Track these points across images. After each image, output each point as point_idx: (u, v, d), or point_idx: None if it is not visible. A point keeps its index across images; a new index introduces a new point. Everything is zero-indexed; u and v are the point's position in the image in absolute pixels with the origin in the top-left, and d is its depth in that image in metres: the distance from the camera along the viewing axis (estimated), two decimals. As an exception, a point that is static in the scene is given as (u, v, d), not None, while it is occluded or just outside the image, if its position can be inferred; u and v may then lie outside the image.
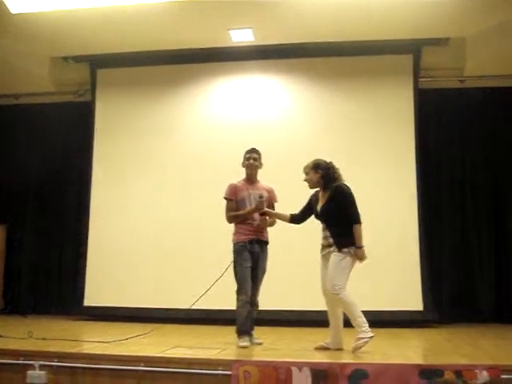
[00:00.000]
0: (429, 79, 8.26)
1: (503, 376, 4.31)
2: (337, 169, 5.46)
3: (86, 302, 8.24)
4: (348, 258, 5.19)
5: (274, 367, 4.53)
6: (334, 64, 8.28)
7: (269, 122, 8.25)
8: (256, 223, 5.70)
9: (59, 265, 8.90)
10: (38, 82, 8.86)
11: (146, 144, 8.51)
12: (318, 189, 5.54)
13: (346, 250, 5.19)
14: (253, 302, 5.70)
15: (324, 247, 5.38)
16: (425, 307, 7.53)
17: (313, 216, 5.56)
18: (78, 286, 8.35)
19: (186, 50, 8.22)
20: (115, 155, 8.57)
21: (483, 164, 8.25)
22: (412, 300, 7.52)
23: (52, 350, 5.03)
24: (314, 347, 5.34)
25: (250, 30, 7.65)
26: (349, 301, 5.15)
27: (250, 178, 5.88)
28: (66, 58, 8.82)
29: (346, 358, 4.87)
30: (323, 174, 5.41)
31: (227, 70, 8.53)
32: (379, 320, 6.70)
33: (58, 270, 8.90)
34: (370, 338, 5.11)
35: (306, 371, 4.46)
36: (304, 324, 6.75)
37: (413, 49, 8.16)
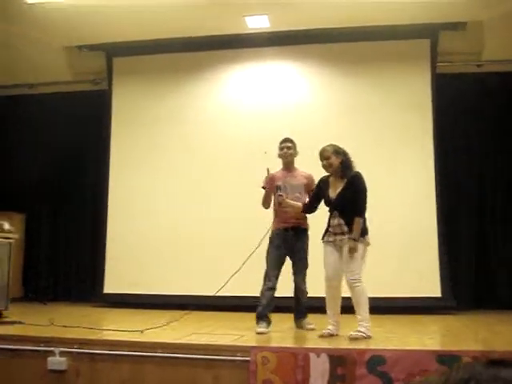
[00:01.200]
0: (446, 64, 8.18)
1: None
2: (350, 156, 5.41)
3: (106, 289, 8.31)
4: (363, 247, 5.21)
5: (292, 353, 4.56)
6: (350, 49, 8.23)
7: (285, 107, 8.21)
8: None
9: (78, 252, 8.97)
10: (54, 71, 8.89)
11: (164, 132, 8.53)
12: (326, 174, 5.49)
13: (361, 238, 5.19)
14: (297, 287, 5.80)
15: (335, 234, 5.30)
16: (443, 294, 7.50)
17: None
18: (98, 273, 8.42)
19: (201, 37, 8.20)
20: (133, 143, 8.59)
21: (500, 150, 8.17)
22: (430, 287, 7.48)
23: (72, 336, 5.09)
24: (318, 335, 5.30)
25: (265, 17, 7.62)
26: (365, 292, 5.17)
27: (287, 167, 5.99)
28: (80, 47, 8.81)
29: (364, 345, 4.88)
30: (343, 160, 5.35)
31: (243, 56, 8.50)
32: (397, 306, 6.72)
33: (77, 257, 8.97)
34: (369, 337, 5.11)
35: (324, 357, 4.48)
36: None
37: (430, 33, 8.06)
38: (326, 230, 5.41)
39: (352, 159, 5.40)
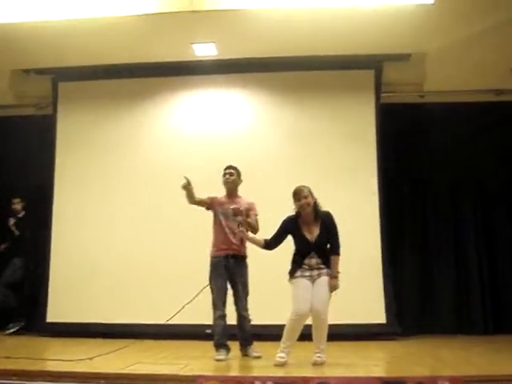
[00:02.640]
0: (390, 94, 8.37)
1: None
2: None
3: (49, 318, 8.07)
4: None
5: (237, 382, 4.51)
6: (296, 78, 8.32)
7: (232, 135, 8.25)
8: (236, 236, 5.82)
9: (20, 280, 8.68)
10: (-2, 94, 8.73)
11: (109, 157, 8.42)
12: (292, 214, 5.48)
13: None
14: (240, 315, 5.79)
15: (311, 269, 5.33)
16: (387, 320, 7.59)
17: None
18: (40, 302, 8.18)
19: (149, 63, 8.17)
20: (77, 169, 8.44)
21: (443, 177, 8.38)
22: (375, 313, 7.56)
23: (10, 367, 4.92)
24: (274, 364, 5.24)
25: (212, 45, 7.66)
26: (327, 323, 5.26)
27: (230, 194, 6.05)
28: (27, 71, 8.68)
29: (310, 372, 4.88)
30: (315, 201, 5.43)
31: (191, 83, 8.51)
32: (342, 333, 6.76)
33: (19, 285, 8.69)
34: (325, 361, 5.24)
35: (270, 385, 4.45)
36: (268, 338, 6.73)
37: (374, 64, 8.24)
38: (298, 267, 5.36)
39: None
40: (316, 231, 5.39)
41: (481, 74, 7.87)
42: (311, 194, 5.42)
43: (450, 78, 8.07)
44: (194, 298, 5.90)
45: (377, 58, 8.14)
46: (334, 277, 5.27)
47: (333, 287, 5.26)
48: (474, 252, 8.19)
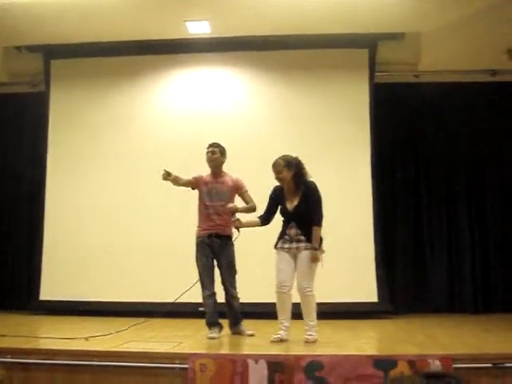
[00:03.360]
0: (384, 74, 8.33)
1: (454, 365, 4.42)
2: (303, 164, 5.47)
3: (42, 296, 8.09)
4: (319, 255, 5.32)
5: (230, 360, 4.56)
6: (290, 57, 8.28)
7: (225, 113, 8.22)
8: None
9: (13, 258, 8.71)
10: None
11: (102, 135, 8.39)
12: (278, 184, 5.53)
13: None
14: (229, 294, 5.82)
15: (291, 241, 5.38)
16: (379, 298, 7.64)
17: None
18: (34, 280, 8.20)
19: (142, 41, 8.11)
20: (71, 147, 8.40)
21: (437, 158, 8.39)
22: (367, 292, 7.62)
23: (5, 345, 4.96)
24: (270, 341, 5.35)
25: (206, 22, 7.60)
26: (315, 299, 5.31)
27: (214, 172, 5.98)
28: (19, 48, 8.59)
29: (302, 350, 4.92)
30: (295, 172, 5.41)
31: (184, 61, 8.45)
32: (334, 312, 6.82)
33: (12, 263, 8.71)
34: (316, 339, 5.29)
35: (262, 363, 4.50)
36: (260, 316, 6.77)
37: (369, 43, 8.20)
38: (280, 237, 5.46)
39: (305, 169, 5.45)
40: (296, 201, 5.41)
41: (476, 54, 7.83)
42: (288, 165, 5.39)
43: (445, 58, 8.04)
44: (186, 292, 5.83)
45: (371, 37, 8.10)
46: (313, 248, 5.26)
47: (312, 259, 5.25)
48: (467, 232, 8.22)
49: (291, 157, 5.46)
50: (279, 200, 5.50)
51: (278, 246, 5.44)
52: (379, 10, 7.15)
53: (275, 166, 5.42)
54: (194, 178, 5.94)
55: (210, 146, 5.97)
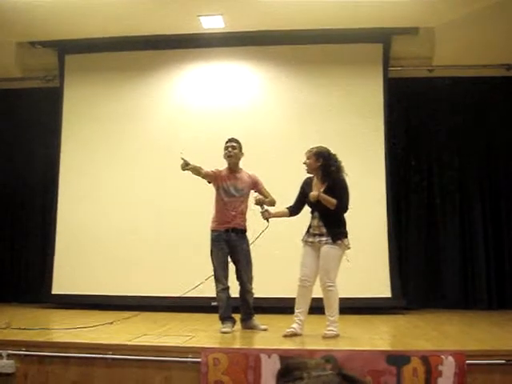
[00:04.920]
0: (398, 68, 8.29)
1: (468, 361, 4.41)
2: (339, 161, 5.50)
3: (55, 290, 8.13)
4: (341, 251, 5.35)
5: (243, 354, 4.57)
6: (304, 52, 8.25)
7: (239, 108, 8.21)
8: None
9: (26, 252, 8.75)
10: (4, 68, 8.67)
11: (116, 130, 8.42)
12: (309, 176, 5.59)
13: (340, 242, 5.32)
14: (244, 289, 5.82)
15: (314, 235, 5.41)
16: (393, 294, 7.63)
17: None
18: (46, 274, 8.24)
19: (156, 36, 8.13)
20: (84, 141, 8.44)
21: (451, 153, 8.34)
22: (380, 287, 7.60)
23: (20, 338, 5.00)
24: (282, 335, 5.36)
25: (220, 17, 7.59)
26: (337, 294, 5.33)
27: (232, 168, 5.97)
28: (33, 44, 8.63)
29: (315, 345, 4.92)
30: (323, 164, 5.44)
31: (198, 56, 8.44)
32: (348, 307, 6.80)
33: (25, 257, 8.75)
34: (338, 335, 5.30)
35: (275, 358, 4.51)
36: (274, 311, 6.78)
37: (382, 38, 8.17)
38: (307, 230, 5.50)
39: (337, 165, 5.47)
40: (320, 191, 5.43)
41: (491, 48, 7.77)
42: (318, 156, 5.44)
43: (459, 52, 7.98)
44: (208, 277, 5.97)
45: (385, 32, 8.07)
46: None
47: (312, 196, 5.34)
48: (481, 228, 8.16)
49: (325, 149, 5.51)
50: (306, 191, 5.53)
51: (304, 239, 5.49)
52: (393, 5, 7.13)
53: (308, 152, 5.51)
54: (214, 173, 5.92)
55: (230, 140, 5.96)
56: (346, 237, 5.38)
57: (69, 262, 8.13)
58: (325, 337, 5.24)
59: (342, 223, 5.43)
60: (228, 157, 5.93)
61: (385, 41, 8.18)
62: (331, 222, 5.35)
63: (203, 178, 5.90)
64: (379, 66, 8.15)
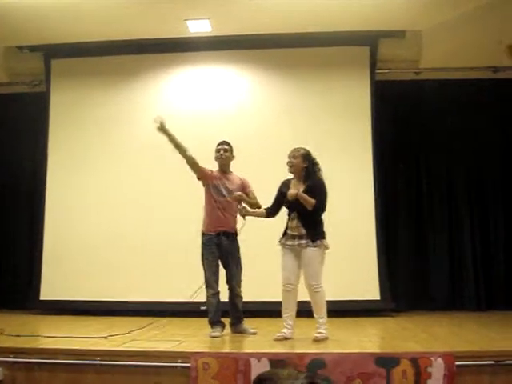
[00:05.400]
0: (385, 71, 8.32)
1: (457, 362, 4.42)
2: (319, 166, 5.56)
3: (43, 296, 8.07)
4: (322, 251, 5.35)
5: (232, 358, 4.56)
6: (291, 55, 8.27)
7: (227, 112, 8.20)
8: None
9: (13, 258, 8.67)
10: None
11: (102, 135, 8.37)
12: (288, 178, 5.60)
13: (319, 242, 5.32)
14: (234, 293, 5.82)
15: (293, 237, 5.40)
16: (382, 296, 7.64)
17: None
18: (34, 280, 8.18)
19: (142, 40, 8.11)
20: (71, 146, 8.39)
21: (438, 155, 8.38)
22: (369, 289, 7.60)
23: (7, 345, 4.96)
24: (273, 339, 5.36)
25: (207, 21, 7.58)
26: (324, 296, 5.34)
27: (223, 170, 6.00)
28: (21, 48, 8.58)
29: (304, 348, 4.92)
30: (307, 167, 5.49)
31: (185, 60, 8.43)
32: (336, 309, 6.80)
33: (13, 263, 8.68)
34: (327, 338, 5.32)
35: (265, 361, 4.50)
36: (262, 314, 6.77)
37: (370, 41, 8.19)
38: (284, 232, 5.49)
39: (318, 170, 5.54)
40: (299, 190, 5.43)
41: (477, 51, 7.80)
42: (304, 158, 5.49)
43: (446, 55, 8.01)
44: (195, 292, 6.01)
45: (372, 35, 8.09)
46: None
47: (290, 194, 5.35)
48: (469, 229, 8.21)
49: (309, 151, 5.56)
50: (284, 193, 5.53)
51: (282, 241, 5.48)
52: (380, 8, 7.14)
53: (295, 150, 5.54)
54: (209, 170, 5.95)
55: (221, 143, 6.00)
56: (325, 237, 5.38)
57: (56, 268, 8.07)
58: (316, 340, 5.24)
59: (320, 224, 5.44)
60: (220, 159, 5.96)
61: (372, 44, 8.20)
62: (310, 222, 5.36)
63: (195, 170, 5.89)
64: (366, 68, 8.17)
